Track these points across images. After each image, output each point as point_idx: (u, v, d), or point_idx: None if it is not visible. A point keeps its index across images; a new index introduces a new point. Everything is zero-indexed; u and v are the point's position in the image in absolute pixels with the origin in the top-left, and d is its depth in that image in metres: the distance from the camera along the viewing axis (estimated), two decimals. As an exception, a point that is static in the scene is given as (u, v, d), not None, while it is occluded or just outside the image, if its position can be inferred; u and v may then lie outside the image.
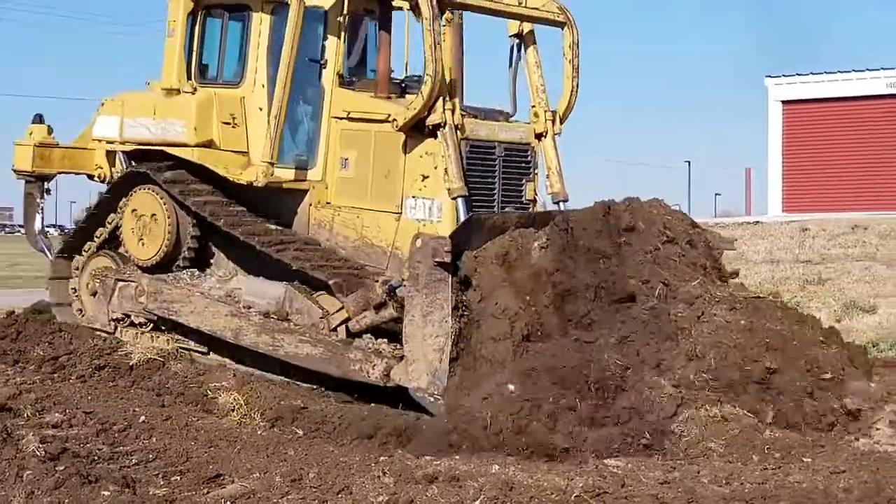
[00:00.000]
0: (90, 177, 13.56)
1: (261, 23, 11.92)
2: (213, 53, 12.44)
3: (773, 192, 38.67)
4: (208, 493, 7.33)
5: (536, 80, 11.75)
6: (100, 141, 12.90)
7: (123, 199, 12.39)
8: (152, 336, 12.06)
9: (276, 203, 11.78)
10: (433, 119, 10.53)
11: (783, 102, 37.25)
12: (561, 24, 11.67)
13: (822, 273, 20.80)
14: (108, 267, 12.58)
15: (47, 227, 13.76)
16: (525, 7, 11.54)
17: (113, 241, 12.73)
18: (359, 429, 9.37)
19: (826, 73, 36.87)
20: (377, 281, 10.14)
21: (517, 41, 11.77)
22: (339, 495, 7.08)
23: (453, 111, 10.56)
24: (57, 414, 9.32)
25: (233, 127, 11.93)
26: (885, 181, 35.24)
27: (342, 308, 10.30)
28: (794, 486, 6.95)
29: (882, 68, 35.70)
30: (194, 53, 12.38)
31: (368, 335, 10.26)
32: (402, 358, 9.64)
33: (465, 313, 9.31)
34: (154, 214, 11.97)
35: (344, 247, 11.34)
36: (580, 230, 9.43)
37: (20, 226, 28.60)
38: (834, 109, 36.20)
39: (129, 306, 12.18)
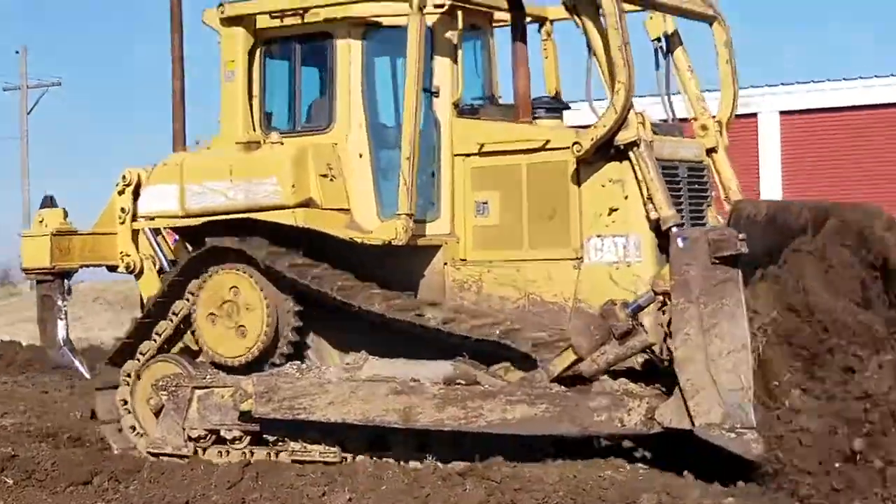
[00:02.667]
0: (111, 269, 10.94)
1: (350, 51, 9.67)
2: (279, 96, 10.12)
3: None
4: None
5: (693, 87, 10.02)
6: (151, 219, 10.24)
7: (192, 284, 9.90)
8: (249, 451, 9.56)
9: (393, 265, 9.54)
10: (626, 136, 8.60)
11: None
12: (711, 20, 9.99)
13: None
14: (175, 374, 10.00)
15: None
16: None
17: (175, 341, 10.21)
18: (74, 475, 8.91)
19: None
20: (614, 304, 8.01)
21: (661, 46, 10.03)
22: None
23: (644, 125, 8.69)
24: None
25: (330, 180, 9.64)
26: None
27: (567, 349, 8.12)
28: None
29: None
30: (255, 98, 10.02)
31: (606, 378, 8.14)
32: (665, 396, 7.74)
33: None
34: (246, 300, 9.53)
35: (502, 309, 9.22)
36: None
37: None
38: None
39: (218, 418, 9.64)
